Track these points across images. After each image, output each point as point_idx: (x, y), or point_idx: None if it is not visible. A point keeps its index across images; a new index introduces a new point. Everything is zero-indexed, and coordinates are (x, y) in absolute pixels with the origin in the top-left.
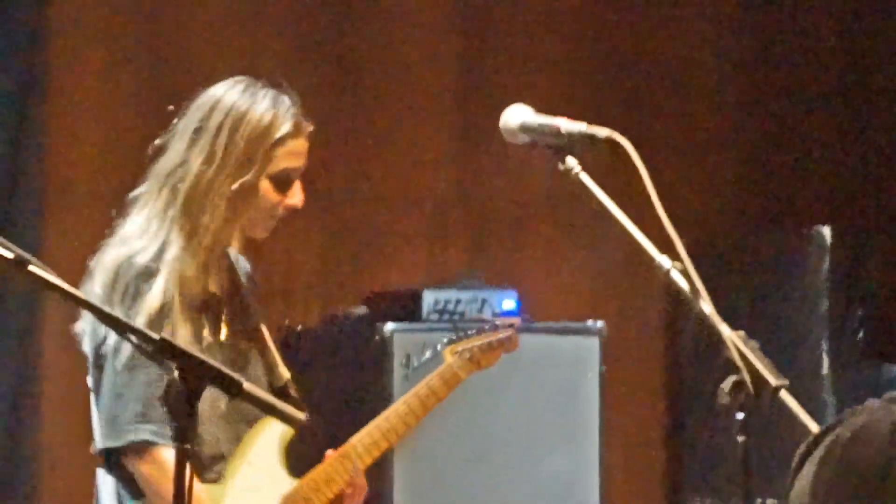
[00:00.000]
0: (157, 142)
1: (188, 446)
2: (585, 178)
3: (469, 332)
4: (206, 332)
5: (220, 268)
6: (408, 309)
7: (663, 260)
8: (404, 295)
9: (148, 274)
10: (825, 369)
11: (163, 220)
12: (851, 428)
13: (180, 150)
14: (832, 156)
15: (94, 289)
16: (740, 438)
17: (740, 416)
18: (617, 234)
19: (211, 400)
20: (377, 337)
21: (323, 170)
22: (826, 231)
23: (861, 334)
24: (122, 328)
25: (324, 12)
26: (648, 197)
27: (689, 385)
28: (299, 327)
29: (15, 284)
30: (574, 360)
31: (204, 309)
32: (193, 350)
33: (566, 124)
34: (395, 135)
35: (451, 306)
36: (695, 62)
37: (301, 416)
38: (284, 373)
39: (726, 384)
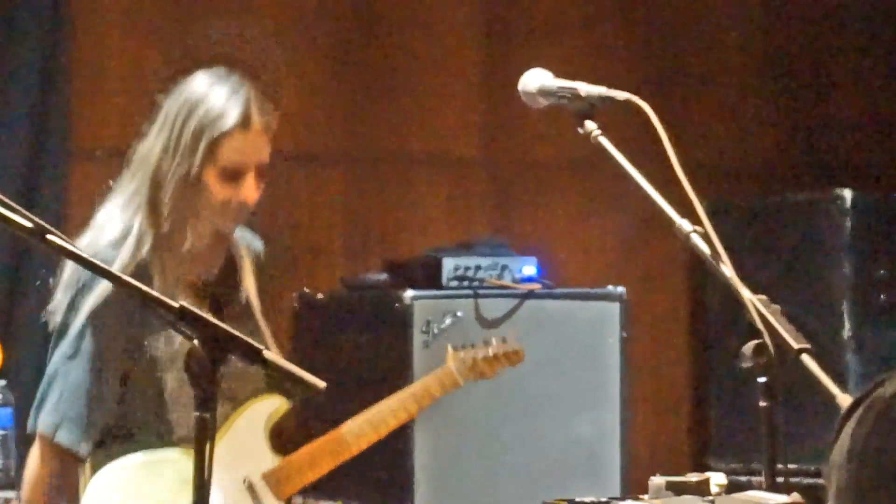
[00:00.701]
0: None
1: (209, 415)
2: (605, 141)
3: (476, 344)
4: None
5: (211, 255)
6: (428, 275)
7: (684, 223)
8: (424, 261)
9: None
10: (847, 332)
11: (129, 207)
12: (893, 387)
13: (151, 136)
14: (858, 117)
15: (62, 276)
16: (763, 403)
17: (763, 379)
18: (639, 199)
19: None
20: (397, 304)
21: (344, 133)
22: (847, 193)
23: (883, 297)
24: (140, 295)
25: None
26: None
27: (713, 349)
28: (319, 295)
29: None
30: (595, 325)
31: (187, 296)
32: (214, 318)
33: (585, 87)
34: (418, 99)
35: (471, 273)
36: (723, 23)
37: (321, 384)
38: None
39: (748, 348)
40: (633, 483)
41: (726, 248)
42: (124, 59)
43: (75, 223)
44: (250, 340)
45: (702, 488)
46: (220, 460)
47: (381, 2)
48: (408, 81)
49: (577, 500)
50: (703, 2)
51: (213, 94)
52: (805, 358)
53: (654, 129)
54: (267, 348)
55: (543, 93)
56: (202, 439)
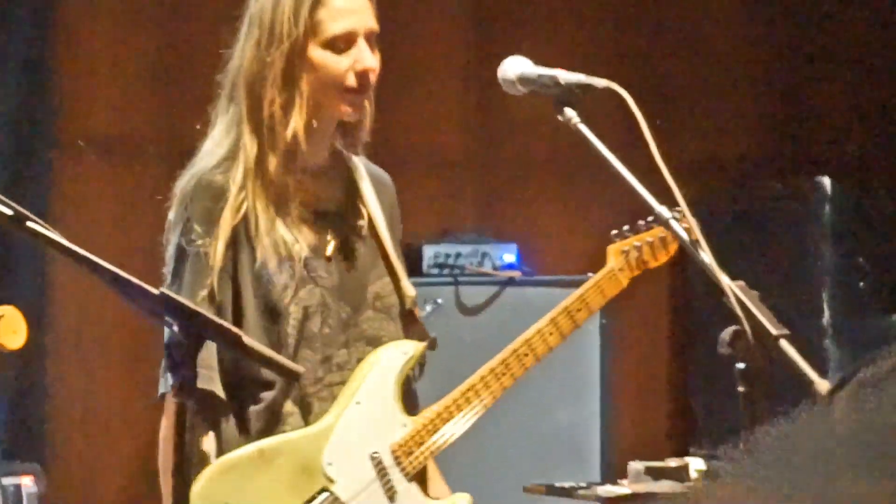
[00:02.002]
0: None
1: (191, 402)
2: (584, 128)
3: (641, 225)
4: (301, 245)
5: (329, 176)
6: (408, 262)
7: (663, 210)
8: (404, 249)
9: (214, 189)
10: (826, 319)
11: (232, 127)
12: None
13: (237, 48)
14: (838, 106)
15: (168, 217)
16: (741, 388)
17: (741, 365)
18: (620, 186)
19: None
20: None
21: None
22: (827, 182)
23: (862, 284)
24: (120, 283)
25: None
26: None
27: (695, 335)
28: None
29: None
30: None
31: (305, 220)
32: (191, 303)
33: (564, 75)
34: (401, 88)
35: (451, 260)
36: (707, 15)
37: (300, 369)
38: (409, 291)
39: (726, 334)
40: (615, 468)
41: (707, 236)
42: (112, 49)
43: (62, 213)
44: (230, 326)
45: (680, 473)
46: (350, 435)
47: None
48: (393, 74)
49: (557, 484)
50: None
51: None
52: (783, 343)
53: (634, 117)
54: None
55: (523, 80)
56: (181, 423)
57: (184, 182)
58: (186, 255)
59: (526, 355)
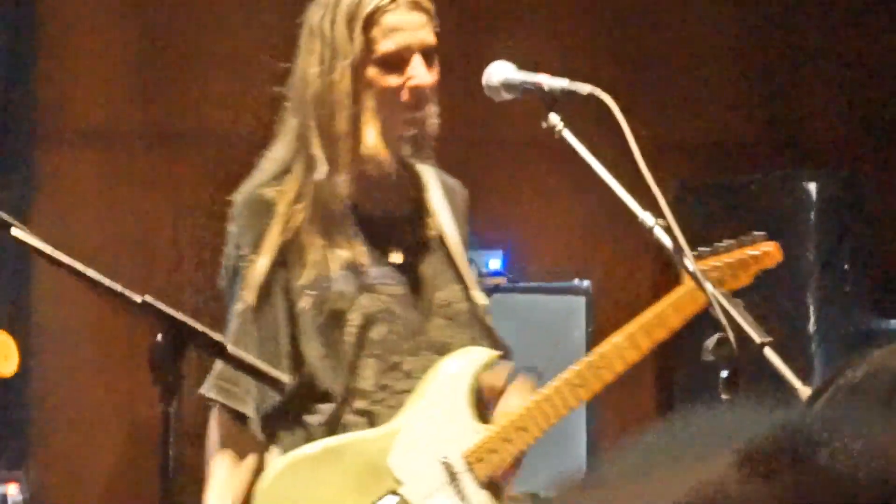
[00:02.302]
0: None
1: (173, 408)
2: (568, 135)
3: (720, 246)
4: (361, 252)
5: (397, 185)
6: None
7: (646, 217)
8: None
9: (262, 204)
10: (812, 325)
11: (293, 141)
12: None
13: (300, 61)
14: (827, 107)
15: (228, 229)
16: (725, 396)
17: (725, 373)
18: (605, 191)
19: (383, 330)
20: None
21: None
22: (812, 187)
23: (848, 288)
24: (103, 289)
25: None
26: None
27: (679, 344)
28: None
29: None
30: (561, 319)
31: (371, 229)
32: (174, 311)
33: (548, 81)
34: None
35: None
36: (695, 3)
37: (285, 378)
38: (480, 299)
39: (710, 341)
40: None
41: (695, 228)
42: (93, 38)
43: (46, 204)
44: (213, 334)
45: None
46: (417, 440)
47: None
48: None
49: (542, 494)
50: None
51: None
52: (767, 351)
53: (618, 122)
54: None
55: (507, 86)
56: (166, 431)
57: (237, 197)
58: (234, 271)
59: (602, 369)
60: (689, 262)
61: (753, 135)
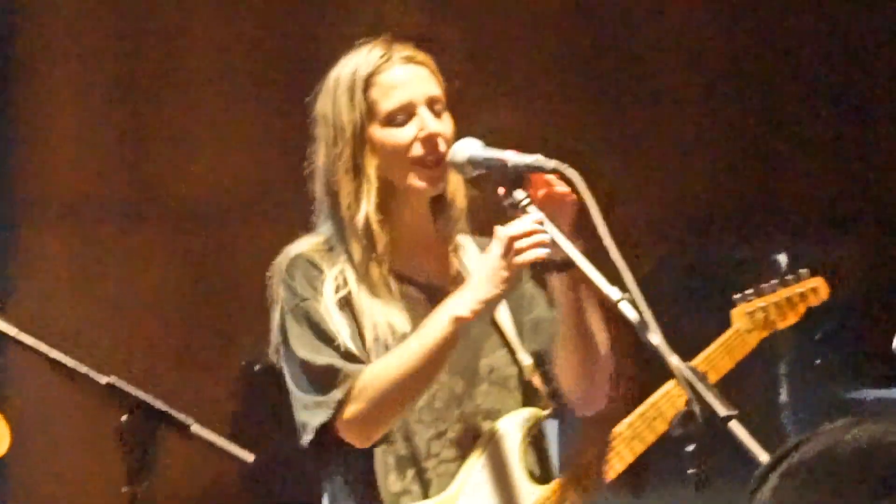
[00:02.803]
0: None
1: (140, 490)
2: (533, 209)
3: (765, 287)
4: (403, 321)
5: (435, 253)
6: None
7: (612, 291)
8: None
9: (313, 264)
10: (784, 395)
11: (324, 223)
12: (814, 449)
13: (315, 152)
14: (795, 179)
15: (271, 295)
16: (691, 470)
17: (691, 447)
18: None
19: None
20: None
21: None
22: (782, 258)
23: (819, 360)
24: (67, 371)
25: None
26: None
27: None
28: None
29: None
30: None
31: (411, 297)
32: (141, 392)
33: (514, 157)
34: None
35: None
36: (664, 82)
37: (250, 457)
38: (525, 361)
39: (677, 416)
40: None
41: (665, 305)
42: (74, 110)
43: (24, 282)
44: (178, 415)
45: None
46: (472, 493)
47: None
48: None
49: None
50: (644, 60)
51: (351, 56)
52: (733, 425)
53: (583, 198)
54: None
55: (473, 163)
56: None
57: (282, 259)
58: (303, 313)
59: (655, 419)
60: (655, 336)
61: (728, 211)
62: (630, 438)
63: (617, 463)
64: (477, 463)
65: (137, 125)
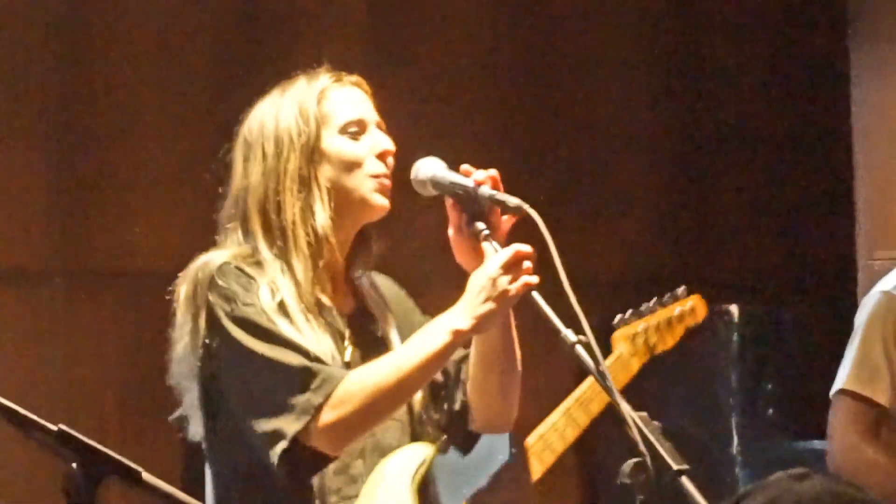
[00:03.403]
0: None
1: None
2: (493, 244)
3: (643, 310)
4: (332, 348)
5: (342, 284)
6: None
7: (569, 334)
8: None
9: (245, 274)
10: (735, 446)
11: (246, 244)
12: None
13: (236, 177)
14: (744, 233)
15: (176, 306)
16: None
17: (641, 498)
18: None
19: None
20: None
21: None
22: (734, 309)
23: (771, 411)
24: (16, 418)
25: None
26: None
27: (597, 467)
28: None
29: None
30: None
31: (327, 326)
32: (90, 440)
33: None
34: None
35: None
36: (610, 138)
37: None
38: (417, 395)
39: (627, 465)
40: None
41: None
42: (5, 178)
43: None
44: (129, 463)
45: None
46: None
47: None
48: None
49: None
50: (590, 118)
51: (293, 81)
52: (683, 479)
53: (543, 239)
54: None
55: (434, 183)
56: None
57: (199, 267)
58: (248, 319)
59: (544, 451)
60: (609, 383)
61: (671, 271)
62: (541, 450)
63: (537, 464)
64: (370, 499)
65: (73, 187)
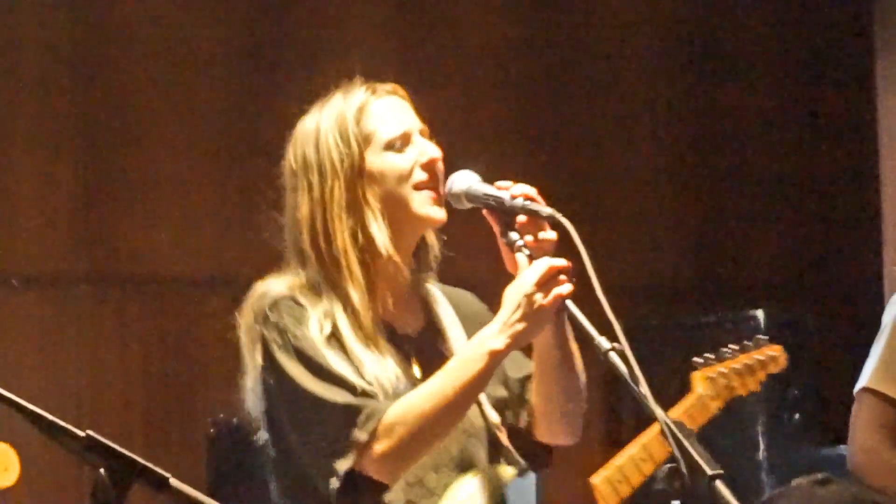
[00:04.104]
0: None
1: None
2: (525, 253)
3: (725, 353)
4: (390, 371)
5: (409, 302)
6: None
7: (602, 341)
8: None
9: (299, 306)
10: (762, 452)
11: (301, 273)
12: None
13: (289, 209)
14: (771, 240)
15: (239, 334)
16: None
17: (676, 503)
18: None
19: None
20: None
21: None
22: (760, 314)
23: (797, 416)
24: (45, 424)
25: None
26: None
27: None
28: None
29: None
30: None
31: (391, 347)
32: (117, 446)
33: (511, 198)
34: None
35: None
36: (635, 143)
37: None
38: (493, 417)
39: (662, 471)
40: None
41: (640, 367)
42: (34, 184)
43: None
44: (156, 469)
45: None
46: None
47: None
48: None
49: None
50: (612, 125)
51: (327, 101)
52: (717, 484)
53: (575, 247)
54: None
55: (469, 196)
56: None
57: (255, 300)
58: (295, 351)
59: (620, 482)
60: (643, 389)
61: (696, 277)
62: (617, 481)
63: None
64: None
65: (100, 193)
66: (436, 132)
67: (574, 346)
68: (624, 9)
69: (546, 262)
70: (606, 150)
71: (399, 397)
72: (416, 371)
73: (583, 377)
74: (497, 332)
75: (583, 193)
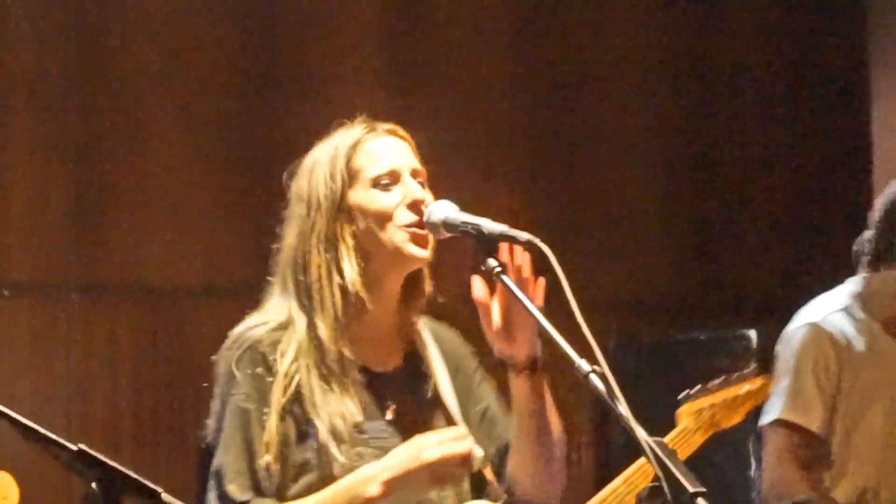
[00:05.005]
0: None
1: None
2: (506, 279)
3: (709, 386)
4: (355, 410)
5: (390, 341)
6: None
7: (583, 363)
8: None
9: (264, 361)
10: (753, 470)
11: (281, 303)
12: None
13: (284, 234)
14: (766, 257)
15: (216, 373)
16: None
17: None
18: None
19: None
20: None
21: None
22: (752, 334)
23: None
24: (37, 437)
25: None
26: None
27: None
28: None
29: None
30: None
31: (364, 384)
32: (109, 459)
33: (488, 225)
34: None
35: None
36: (627, 161)
37: None
38: (477, 453)
39: (644, 490)
40: None
41: (631, 385)
42: (26, 191)
43: None
44: (148, 483)
45: None
46: None
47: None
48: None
49: None
50: (606, 141)
51: (332, 135)
52: (700, 502)
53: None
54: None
55: (447, 225)
56: None
57: (237, 340)
58: (242, 414)
59: (627, 494)
60: (624, 410)
61: (690, 294)
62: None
63: None
64: None
65: (90, 200)
66: (428, 143)
67: (547, 404)
68: (617, 26)
69: (462, 446)
70: (599, 167)
71: (355, 441)
72: (388, 413)
73: (559, 434)
74: (399, 472)
75: (576, 210)
